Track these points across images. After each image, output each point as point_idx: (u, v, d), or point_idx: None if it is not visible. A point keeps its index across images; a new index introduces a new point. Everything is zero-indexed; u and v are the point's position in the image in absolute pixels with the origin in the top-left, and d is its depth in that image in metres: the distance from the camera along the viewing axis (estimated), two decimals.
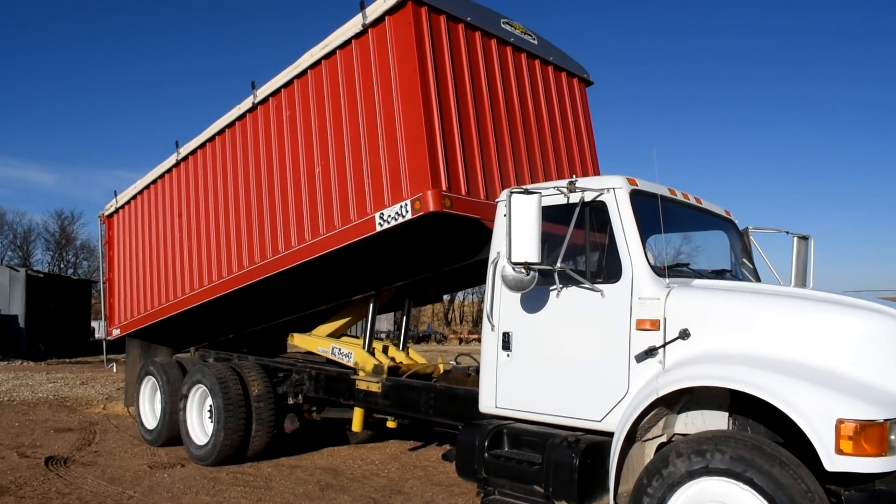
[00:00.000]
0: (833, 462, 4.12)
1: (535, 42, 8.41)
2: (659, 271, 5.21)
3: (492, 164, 7.39)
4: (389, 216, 6.91)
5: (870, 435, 4.10)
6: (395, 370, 8.05)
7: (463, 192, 6.90)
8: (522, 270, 5.16)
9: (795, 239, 6.84)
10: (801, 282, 6.80)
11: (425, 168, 6.69)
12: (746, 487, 4.35)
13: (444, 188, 6.67)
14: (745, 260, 6.68)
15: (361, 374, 8.13)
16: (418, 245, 7.66)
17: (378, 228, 7.04)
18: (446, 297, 51.33)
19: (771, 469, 4.28)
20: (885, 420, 4.14)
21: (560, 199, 5.57)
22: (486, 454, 5.65)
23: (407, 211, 6.71)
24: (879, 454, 4.11)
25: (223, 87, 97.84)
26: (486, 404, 5.99)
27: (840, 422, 4.11)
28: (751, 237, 6.90)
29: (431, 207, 6.52)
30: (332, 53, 7.86)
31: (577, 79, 9.19)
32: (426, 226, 6.89)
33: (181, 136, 10.66)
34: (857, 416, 4.11)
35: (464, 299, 64.11)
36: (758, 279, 6.61)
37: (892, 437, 4.19)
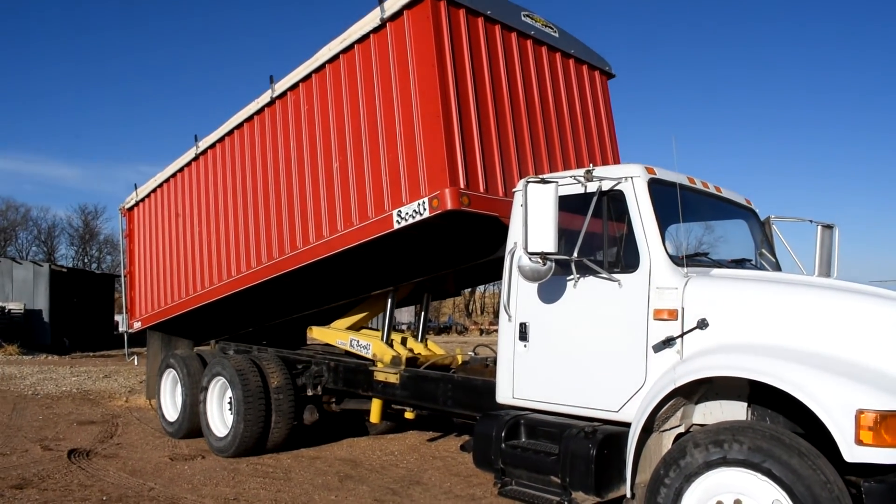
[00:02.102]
0: (853, 453, 4.07)
1: (556, 35, 8.34)
2: (677, 261, 5.17)
3: (511, 161, 7.35)
4: (407, 214, 6.90)
5: (890, 425, 4.04)
6: (413, 361, 8.05)
7: (481, 190, 6.87)
8: (539, 260, 5.13)
9: (819, 228, 6.76)
10: (826, 271, 6.72)
11: (443, 166, 6.66)
12: (764, 478, 4.32)
13: (462, 186, 6.64)
14: (765, 249, 6.61)
15: (380, 365, 8.15)
16: (436, 242, 7.65)
17: (396, 226, 7.03)
18: (467, 289, 51.40)
19: (790, 460, 4.24)
20: None
21: (577, 189, 5.53)
22: (504, 445, 5.64)
23: (425, 209, 6.70)
24: None
25: (243, 82, 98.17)
26: (504, 395, 5.98)
27: (860, 412, 4.06)
28: (773, 226, 6.82)
29: (449, 206, 6.50)
30: (350, 48, 7.84)
31: (599, 71, 9.10)
32: (444, 223, 6.88)
33: (204, 131, 10.80)
34: (877, 407, 4.06)
35: (485, 291, 64.03)
36: (778, 269, 6.54)
37: None
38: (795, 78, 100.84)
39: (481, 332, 48.79)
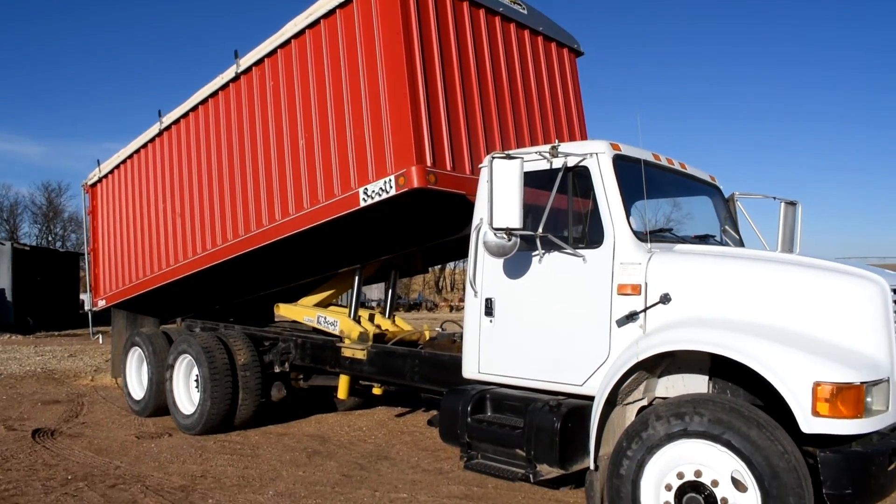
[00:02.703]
0: (809, 424, 4.17)
1: (525, 12, 8.30)
2: (641, 236, 5.21)
3: (478, 139, 7.33)
4: (373, 191, 6.86)
5: (846, 397, 4.14)
6: (380, 337, 8.07)
7: (448, 168, 6.85)
8: (504, 236, 5.15)
9: (783, 204, 6.84)
10: (788, 247, 6.81)
11: (409, 143, 6.63)
12: (724, 449, 4.40)
13: (428, 164, 6.62)
14: (729, 226, 6.68)
15: (347, 341, 8.15)
16: (403, 220, 7.64)
17: (362, 204, 7.00)
18: (437, 266, 51.43)
19: (748, 431, 4.32)
20: (862, 383, 4.19)
21: (543, 165, 5.54)
22: (469, 419, 5.69)
23: (391, 187, 6.67)
24: (855, 416, 4.17)
25: (210, 57, 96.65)
26: (470, 370, 6.02)
27: (817, 384, 4.15)
28: (737, 203, 6.90)
29: (415, 183, 6.48)
30: (316, 23, 7.74)
31: (567, 49, 9.09)
32: (411, 201, 6.86)
33: (171, 107, 10.65)
34: (833, 379, 4.15)
35: (455, 267, 64.07)
36: (742, 245, 6.62)
37: (868, 399, 4.24)
38: (764, 56, 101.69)
39: (451, 308, 48.92)
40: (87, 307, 12.81)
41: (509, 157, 5.05)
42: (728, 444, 4.38)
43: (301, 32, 7.93)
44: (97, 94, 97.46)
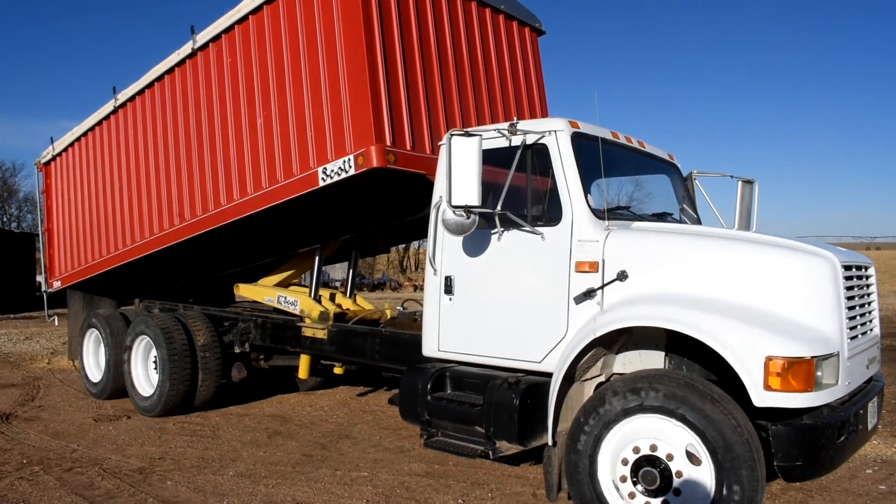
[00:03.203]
0: (762, 398, 4.25)
1: None
2: (599, 214, 5.23)
3: (438, 118, 7.28)
4: (332, 171, 6.80)
5: (797, 371, 4.22)
6: (341, 317, 8.03)
7: (408, 147, 6.81)
8: (463, 214, 5.13)
9: (740, 183, 6.91)
10: (745, 225, 6.90)
11: (369, 122, 6.57)
12: (679, 424, 4.48)
13: (388, 143, 6.57)
14: (686, 204, 6.74)
15: (307, 321, 8.10)
16: (363, 199, 7.58)
17: (321, 183, 6.93)
18: (401, 245, 51.33)
19: (703, 406, 4.39)
20: (812, 357, 4.28)
21: (502, 143, 5.54)
22: (429, 397, 5.70)
23: (350, 166, 6.61)
24: (806, 390, 4.25)
25: (169, 33, 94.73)
26: (430, 348, 6.02)
27: (769, 359, 4.23)
28: (695, 181, 6.96)
29: (375, 163, 6.43)
30: None
31: (529, 28, 9.06)
32: (371, 181, 6.80)
33: (127, 85, 10.43)
34: (785, 354, 4.23)
35: (419, 247, 63.83)
36: (699, 223, 6.69)
37: (819, 373, 4.33)
38: (727, 38, 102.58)
39: (415, 288, 48.96)
40: (44, 289, 12.56)
41: (468, 134, 5.03)
42: (683, 419, 4.45)
43: (258, 8, 7.79)
44: (52, 71, 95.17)
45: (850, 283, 4.84)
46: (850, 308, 4.80)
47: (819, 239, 6.76)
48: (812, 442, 4.34)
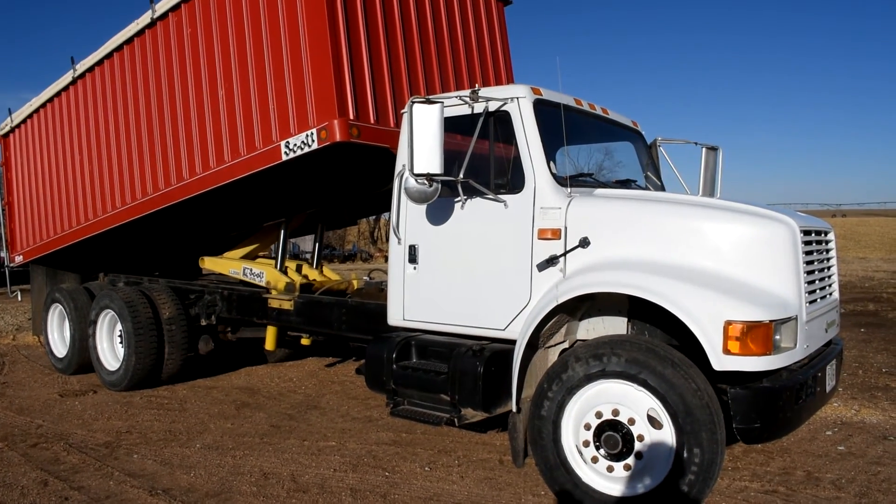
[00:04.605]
0: (721, 361, 4.30)
1: None
2: (561, 181, 5.22)
3: (403, 91, 7.17)
4: (295, 145, 6.70)
5: (756, 335, 4.28)
6: (307, 288, 7.99)
7: (371, 121, 6.72)
8: (425, 182, 5.10)
9: (704, 150, 6.94)
10: (709, 192, 6.94)
11: (331, 95, 6.46)
12: (641, 388, 4.53)
13: (351, 117, 6.48)
14: (650, 172, 6.76)
15: (274, 292, 8.05)
16: (328, 173, 7.50)
17: (284, 158, 6.83)
18: (372, 217, 51.05)
19: (664, 370, 4.44)
20: (771, 321, 4.33)
21: (464, 110, 5.49)
22: (395, 366, 5.70)
23: (313, 140, 6.52)
24: (765, 353, 4.31)
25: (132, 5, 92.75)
26: (395, 317, 6.01)
27: (728, 323, 4.27)
28: (660, 148, 6.97)
29: (338, 137, 6.34)
30: None
31: None
32: (334, 155, 6.71)
33: (86, 55, 10.20)
34: (744, 318, 4.28)
35: (390, 218, 63.73)
36: (663, 190, 6.72)
37: (777, 337, 4.39)
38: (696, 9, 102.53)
39: (386, 258, 48.66)
40: (6, 264, 12.34)
41: (429, 101, 4.98)
42: (644, 384, 4.50)
43: None
44: (12, 42, 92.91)
45: (809, 248, 4.89)
46: (809, 272, 4.86)
47: (786, 206, 6.82)
48: (770, 404, 4.40)
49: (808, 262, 4.85)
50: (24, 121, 11.19)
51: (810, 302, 4.81)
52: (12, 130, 11.53)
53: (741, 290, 4.51)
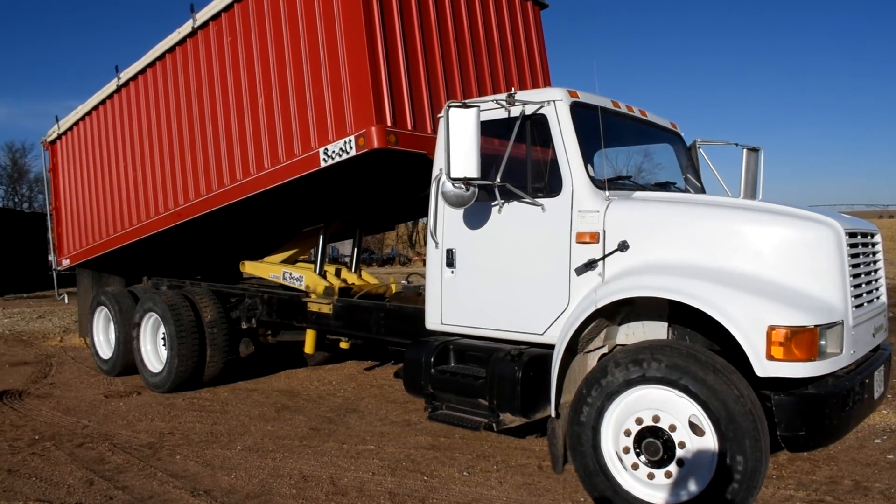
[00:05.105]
0: (764, 367, 4.22)
1: None
2: (599, 184, 5.18)
3: (440, 97, 7.18)
4: (334, 152, 6.75)
5: (800, 340, 4.18)
6: (346, 291, 8.04)
7: (409, 127, 6.74)
8: (462, 186, 5.09)
9: (745, 151, 6.82)
10: (751, 194, 6.83)
11: (369, 103, 6.51)
12: (682, 394, 4.45)
13: (388, 123, 6.51)
14: (690, 173, 6.67)
15: (313, 296, 8.11)
16: (366, 179, 7.54)
17: (322, 164, 6.89)
18: (410, 221, 51.17)
19: (705, 376, 4.37)
20: (815, 325, 4.23)
21: (501, 114, 5.47)
22: (433, 370, 5.70)
23: (351, 147, 6.56)
24: (809, 359, 4.21)
25: (174, 13, 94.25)
26: (433, 321, 6.01)
27: (771, 328, 4.19)
28: (699, 149, 6.87)
29: (375, 144, 6.38)
30: None
31: (531, 2, 8.92)
32: (372, 161, 6.75)
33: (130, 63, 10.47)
34: (787, 323, 4.19)
35: (427, 222, 63.78)
36: (703, 192, 6.62)
37: (822, 342, 4.29)
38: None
39: (424, 262, 48.88)
40: (53, 267, 12.63)
41: (466, 105, 4.98)
42: (685, 389, 4.43)
43: None
44: (59, 51, 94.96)
45: (854, 251, 4.78)
46: (855, 276, 4.74)
47: (831, 208, 6.68)
48: (816, 411, 4.30)
49: (854, 266, 4.74)
50: (70, 128, 11.45)
51: (856, 306, 4.69)
52: (59, 137, 11.81)
53: (784, 294, 4.42)
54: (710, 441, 4.39)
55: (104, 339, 10.59)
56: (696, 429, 4.45)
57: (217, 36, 8.35)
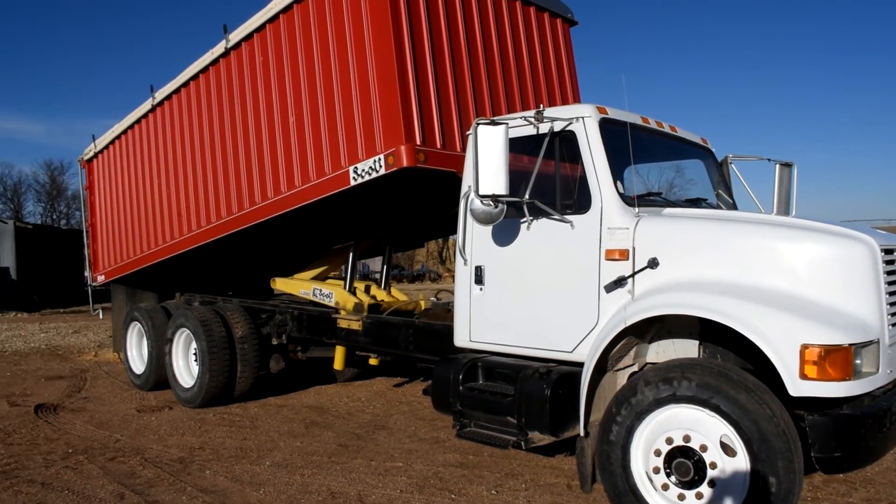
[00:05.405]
0: (797, 387, 4.14)
1: None
2: (628, 201, 5.15)
3: (469, 115, 7.21)
4: (363, 170, 6.80)
5: (834, 359, 4.10)
6: (375, 308, 8.06)
7: (438, 146, 6.77)
8: (491, 203, 5.09)
9: (777, 166, 6.72)
10: (784, 209, 6.73)
11: (398, 122, 6.55)
12: (713, 414, 4.39)
13: (418, 142, 6.55)
14: (722, 189, 6.61)
15: (343, 312, 8.14)
16: (395, 197, 7.58)
17: (352, 183, 6.94)
18: (440, 238, 51.27)
19: (737, 395, 4.30)
20: (850, 344, 4.15)
21: (529, 131, 5.48)
22: (461, 387, 5.69)
23: (381, 166, 6.61)
24: (844, 378, 4.13)
25: (208, 33, 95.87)
26: (461, 338, 6.00)
27: (804, 347, 4.12)
28: (731, 165, 6.81)
29: (405, 163, 6.42)
30: None
31: (561, 19, 8.93)
32: (401, 180, 6.79)
33: (166, 83, 10.69)
34: (821, 341, 4.11)
35: (456, 239, 63.80)
36: (735, 208, 6.55)
37: (858, 361, 4.20)
38: (759, 21, 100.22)
39: (454, 279, 48.87)
40: (89, 283, 12.84)
41: (494, 122, 4.99)
42: (716, 409, 4.36)
43: (289, 7, 7.80)
44: (97, 70, 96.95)
45: (890, 268, 4.69)
46: (892, 293, 4.65)
47: (867, 223, 6.57)
48: (851, 432, 4.22)
49: (890, 283, 4.65)
50: (106, 146, 11.67)
51: (893, 324, 4.60)
52: (96, 156, 12.04)
53: (818, 311, 4.35)
54: (742, 462, 4.32)
55: (137, 354, 10.72)
56: (727, 449, 4.38)
57: (249, 56, 8.47)
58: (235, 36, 8.59)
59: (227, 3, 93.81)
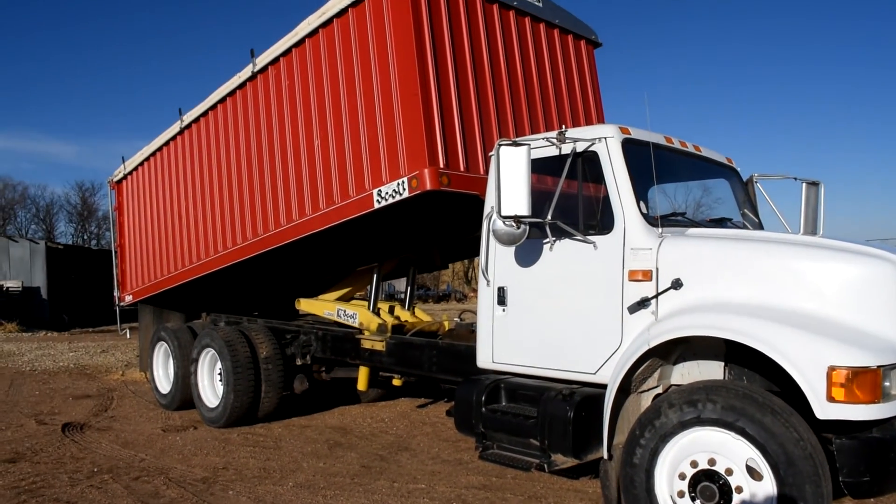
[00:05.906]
0: (824, 410, 4.07)
1: (540, 5, 8.18)
2: (652, 221, 5.12)
3: (492, 138, 7.21)
4: (387, 193, 6.84)
5: (862, 382, 4.03)
6: (399, 329, 8.07)
7: (461, 169, 6.80)
8: (513, 224, 5.09)
9: (804, 185, 6.66)
10: (811, 229, 6.65)
11: (422, 145, 6.59)
12: (738, 437, 4.32)
13: (441, 165, 6.58)
14: (747, 209, 6.55)
15: (366, 333, 8.16)
16: (419, 219, 7.61)
17: (376, 205, 6.98)
18: (465, 259, 51.34)
19: (762, 418, 4.23)
20: (879, 366, 4.07)
21: (552, 151, 5.48)
22: (484, 409, 5.66)
23: (404, 189, 6.65)
24: (873, 401, 4.05)
25: (234, 56, 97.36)
26: (484, 359, 5.98)
27: (832, 369, 4.05)
28: (757, 184, 6.75)
29: (428, 186, 6.45)
30: (329, 22, 7.69)
31: (585, 41, 8.96)
32: (425, 202, 6.83)
33: (194, 106, 10.87)
34: (848, 363, 4.04)
35: (479, 260, 63.85)
36: (761, 228, 6.49)
37: (887, 383, 4.11)
38: (785, 32, 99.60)
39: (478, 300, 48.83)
40: (117, 303, 13.01)
41: (516, 143, 5.00)
42: (742, 432, 4.30)
43: (315, 32, 7.90)
44: (128, 93, 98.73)
45: None
46: None
47: (888, 242, 6.47)
48: (881, 456, 4.13)
49: None
50: (135, 168, 11.86)
51: None
52: (125, 177, 12.24)
53: (845, 333, 4.28)
54: (768, 486, 4.24)
55: (163, 374, 10.81)
56: (753, 473, 4.30)
57: (276, 79, 8.58)
58: (262, 60, 8.70)
59: (252, 21, 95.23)
